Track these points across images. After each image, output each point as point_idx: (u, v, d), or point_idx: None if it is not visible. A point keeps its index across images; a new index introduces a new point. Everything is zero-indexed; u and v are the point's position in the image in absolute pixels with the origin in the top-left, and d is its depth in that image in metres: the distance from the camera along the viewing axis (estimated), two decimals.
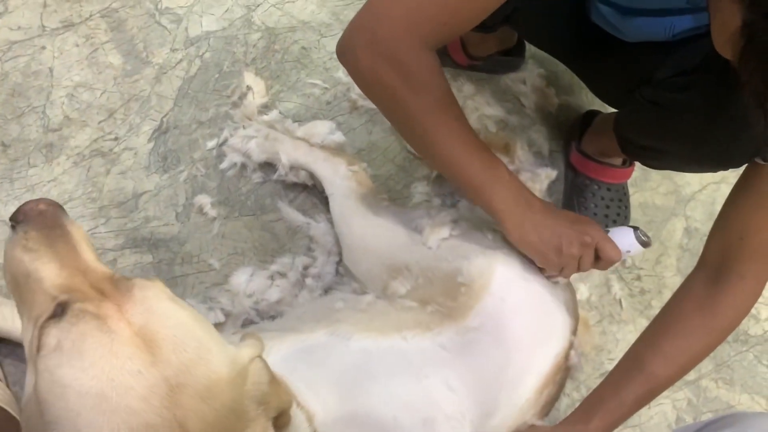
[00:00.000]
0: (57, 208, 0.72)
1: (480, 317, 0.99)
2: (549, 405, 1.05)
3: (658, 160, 1.18)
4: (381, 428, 0.91)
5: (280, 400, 0.72)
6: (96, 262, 0.69)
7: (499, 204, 0.99)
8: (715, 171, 1.09)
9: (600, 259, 1.03)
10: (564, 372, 1.07)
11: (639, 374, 1.01)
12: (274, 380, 0.72)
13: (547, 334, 1.04)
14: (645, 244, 1.07)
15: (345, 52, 0.95)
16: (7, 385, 1.05)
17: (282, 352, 0.97)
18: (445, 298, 1.02)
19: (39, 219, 0.70)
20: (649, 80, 1.04)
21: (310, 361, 0.96)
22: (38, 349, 0.62)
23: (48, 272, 0.66)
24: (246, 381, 0.66)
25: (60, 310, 0.63)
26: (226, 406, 0.63)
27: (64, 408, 0.58)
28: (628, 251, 1.07)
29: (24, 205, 0.71)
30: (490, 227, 1.15)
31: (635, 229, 1.07)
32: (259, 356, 0.69)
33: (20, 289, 0.68)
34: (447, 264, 1.04)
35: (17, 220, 0.70)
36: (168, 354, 0.61)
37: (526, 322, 1.02)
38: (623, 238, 1.07)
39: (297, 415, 0.82)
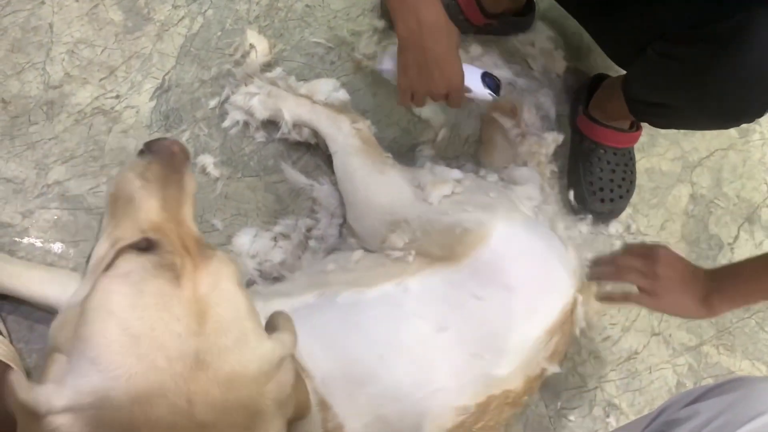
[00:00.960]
0: (186, 157, 0.74)
1: (476, 263, 0.99)
2: (559, 354, 1.05)
3: (667, 118, 1.17)
4: (368, 370, 0.91)
5: (300, 405, 0.72)
6: (192, 220, 0.71)
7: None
8: (726, 127, 1.08)
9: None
10: (571, 325, 1.06)
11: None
12: (298, 380, 0.71)
13: (549, 285, 1.03)
14: (493, 91, 1.11)
15: None
16: (11, 342, 1.05)
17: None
18: (442, 248, 1.02)
19: (167, 158, 0.72)
20: (662, 35, 1.02)
21: (300, 324, 0.96)
22: (107, 267, 0.63)
23: (149, 206, 0.68)
24: (269, 380, 0.65)
25: (145, 244, 0.64)
26: (239, 401, 0.62)
27: (100, 332, 0.59)
28: (470, 91, 1.10)
29: (163, 139, 0.74)
30: (493, 187, 1.14)
31: (485, 74, 1.11)
32: (291, 355, 0.69)
33: (117, 206, 0.70)
34: (447, 218, 1.04)
35: (150, 149, 0.73)
36: (211, 330, 0.61)
37: (526, 271, 1.02)
38: (470, 76, 1.10)
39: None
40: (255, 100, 1.23)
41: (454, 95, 1.09)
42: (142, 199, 0.68)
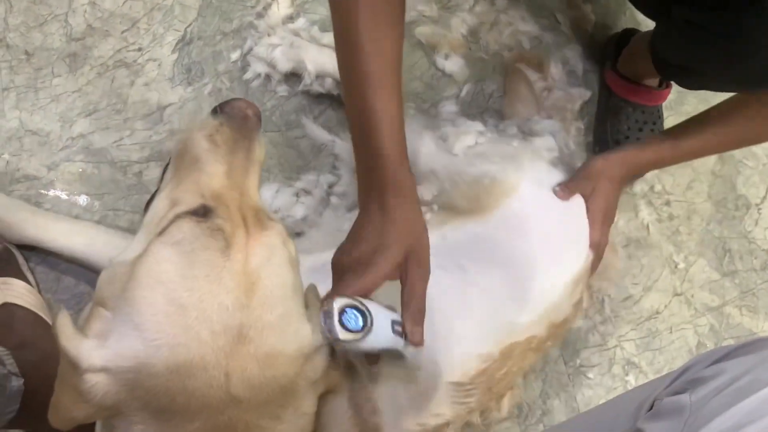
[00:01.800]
0: (259, 123, 0.72)
1: (505, 214, 0.98)
2: (581, 304, 1.05)
3: (694, 80, 1.14)
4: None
5: (331, 382, 0.72)
6: (256, 188, 0.70)
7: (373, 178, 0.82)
8: (754, 92, 1.05)
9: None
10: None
11: (699, 134, 1.13)
12: (331, 364, 0.71)
13: (575, 234, 1.04)
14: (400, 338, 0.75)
15: None
16: (39, 292, 1.07)
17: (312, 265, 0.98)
18: (468, 201, 1.01)
19: (240, 122, 0.70)
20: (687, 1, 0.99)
21: (323, 281, 0.97)
22: (162, 231, 0.62)
23: (213, 171, 0.66)
24: (306, 364, 0.66)
25: (202, 212, 0.63)
26: (276, 379, 0.62)
27: (147, 298, 0.59)
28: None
29: (238, 101, 0.71)
30: (515, 138, 1.13)
31: (395, 322, 0.75)
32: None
33: (181, 164, 0.69)
34: (474, 168, 1.04)
35: (223, 110, 0.70)
36: (257, 305, 0.61)
37: (552, 221, 1.02)
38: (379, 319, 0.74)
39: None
40: (277, 51, 1.22)
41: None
42: (207, 162, 0.67)
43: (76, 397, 0.59)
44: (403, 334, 0.75)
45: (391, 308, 0.77)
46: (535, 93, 1.32)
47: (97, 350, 0.58)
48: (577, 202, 1.08)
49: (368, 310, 0.71)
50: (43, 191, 1.13)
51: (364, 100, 0.80)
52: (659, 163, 1.22)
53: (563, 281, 1.00)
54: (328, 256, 1.01)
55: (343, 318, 0.69)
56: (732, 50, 0.96)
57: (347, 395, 0.83)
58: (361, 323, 0.70)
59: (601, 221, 1.09)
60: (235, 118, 0.70)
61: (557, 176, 1.09)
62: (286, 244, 0.66)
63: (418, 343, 0.75)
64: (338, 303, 0.70)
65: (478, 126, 1.13)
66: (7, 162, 1.13)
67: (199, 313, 0.58)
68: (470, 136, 1.08)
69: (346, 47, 0.82)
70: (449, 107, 1.32)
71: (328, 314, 0.69)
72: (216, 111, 0.71)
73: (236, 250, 0.61)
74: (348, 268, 0.77)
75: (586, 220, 1.06)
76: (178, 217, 0.63)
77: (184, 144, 0.70)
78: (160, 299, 0.59)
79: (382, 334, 0.72)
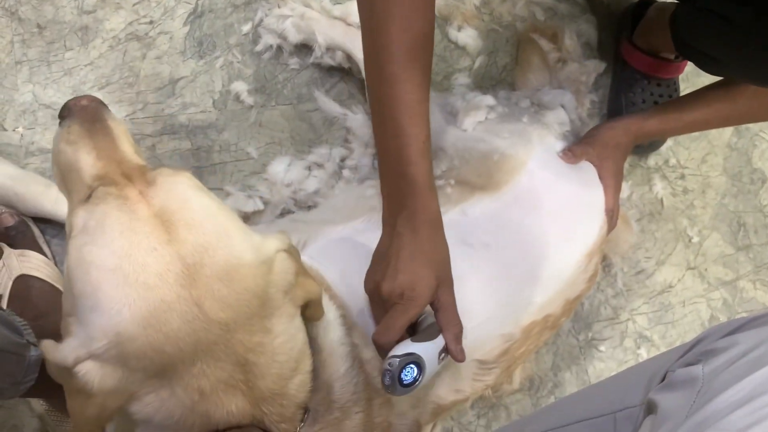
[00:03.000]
0: (98, 103, 0.75)
1: (515, 190, 0.99)
2: (595, 277, 1.06)
3: (712, 66, 1.11)
4: None
5: (308, 290, 0.73)
6: (132, 153, 0.71)
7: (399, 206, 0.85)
8: None
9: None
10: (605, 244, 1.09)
11: (704, 107, 1.13)
12: (302, 271, 0.73)
13: (587, 208, 1.04)
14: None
15: None
16: (56, 264, 1.08)
17: (319, 243, 0.98)
18: (480, 176, 1.01)
19: (81, 113, 0.73)
20: None
21: (345, 251, 0.97)
22: (69, 233, 0.65)
23: (86, 162, 0.69)
24: (271, 270, 0.67)
25: (90, 195, 0.65)
26: (248, 290, 0.64)
27: (88, 282, 0.61)
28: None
29: (69, 101, 0.74)
30: (525, 112, 1.12)
31: (440, 351, 0.82)
32: (285, 250, 0.70)
33: (65, 179, 0.71)
34: (483, 144, 1.03)
35: (62, 116, 0.73)
36: (184, 234, 0.62)
37: (563, 196, 1.02)
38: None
39: (329, 310, 0.84)
40: (288, 22, 1.21)
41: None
42: (78, 160, 0.69)
43: (81, 397, 0.62)
44: (446, 354, 0.82)
45: (431, 333, 0.82)
46: (549, 64, 1.30)
47: (74, 345, 0.61)
48: (588, 173, 1.07)
49: (422, 359, 0.78)
50: None
51: (397, 125, 0.83)
52: (664, 133, 1.24)
53: (576, 257, 1.00)
54: (342, 228, 1.01)
55: (401, 375, 0.77)
56: (755, 46, 0.94)
57: (359, 364, 0.84)
58: (416, 374, 0.78)
59: (614, 188, 1.09)
60: (76, 113, 0.73)
61: (566, 143, 1.10)
62: (181, 177, 0.67)
63: (463, 359, 0.83)
64: (400, 363, 0.77)
65: (489, 100, 1.12)
66: (22, 135, 1.14)
67: (134, 266, 0.60)
68: (481, 111, 1.07)
69: (379, 75, 0.84)
70: (462, 80, 1.31)
71: (390, 374, 0.77)
72: (60, 121, 0.74)
73: (134, 202, 0.63)
74: (389, 299, 0.81)
75: (597, 192, 1.05)
76: (73, 212, 0.66)
77: (55, 165, 0.73)
78: (96, 274, 0.60)
79: (430, 371, 0.80)
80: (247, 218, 1.15)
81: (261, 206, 1.16)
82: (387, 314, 0.81)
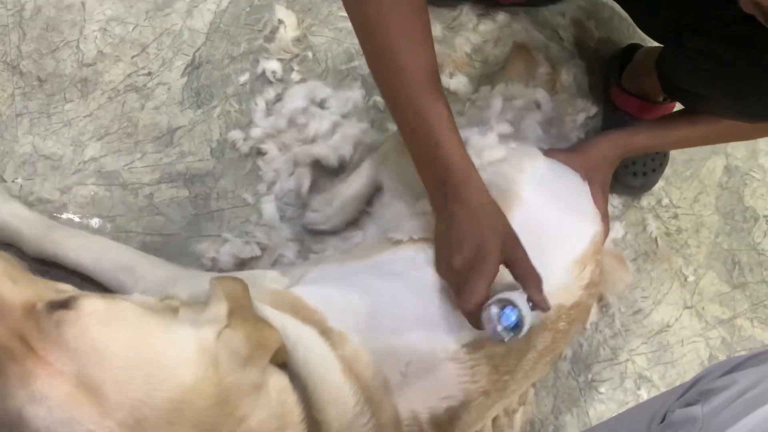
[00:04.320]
0: None
1: (518, 223, 0.99)
2: (595, 286, 1.06)
3: (700, 105, 1.14)
4: (388, 318, 0.90)
5: (266, 345, 0.68)
6: (13, 293, 0.58)
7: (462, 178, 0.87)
8: (760, 122, 1.05)
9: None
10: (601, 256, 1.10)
11: (690, 126, 1.17)
12: (253, 326, 0.67)
13: (576, 219, 1.06)
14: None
15: None
16: None
17: (317, 281, 0.98)
18: None
19: None
20: (697, 27, 0.99)
21: (345, 288, 0.96)
22: None
23: None
24: (218, 363, 0.62)
25: None
26: (204, 408, 0.59)
27: None
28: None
29: None
30: (508, 135, 1.15)
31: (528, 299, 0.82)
32: (225, 324, 0.64)
33: None
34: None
35: None
36: (115, 396, 0.55)
37: (556, 215, 1.04)
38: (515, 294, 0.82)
39: (317, 345, 0.80)
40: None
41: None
42: None
43: None
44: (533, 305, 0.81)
45: (513, 287, 0.83)
46: (532, 76, 1.33)
47: None
48: (576, 185, 1.11)
49: (516, 302, 0.78)
50: (56, 214, 1.14)
51: (418, 114, 0.85)
52: (649, 149, 1.29)
53: (566, 263, 1.01)
54: (338, 265, 1.01)
55: (502, 319, 0.77)
56: (739, 82, 0.97)
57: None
58: (517, 316, 0.78)
59: (602, 196, 1.14)
60: None
61: (553, 165, 1.12)
62: (86, 318, 0.57)
63: (548, 308, 0.83)
64: (494, 308, 0.78)
65: (475, 131, 1.14)
66: (21, 186, 1.15)
67: None
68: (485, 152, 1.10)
69: (385, 65, 0.86)
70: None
71: (491, 324, 0.78)
72: None
73: (45, 381, 0.54)
74: (464, 271, 0.83)
75: (586, 203, 1.09)
76: None
77: None
78: None
79: (527, 314, 0.79)
80: (245, 264, 1.16)
81: (258, 252, 1.17)
82: (465, 283, 0.82)
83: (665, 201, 1.45)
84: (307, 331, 0.81)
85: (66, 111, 1.21)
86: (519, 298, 0.80)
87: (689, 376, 1.07)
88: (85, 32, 1.25)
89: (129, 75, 1.25)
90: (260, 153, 1.24)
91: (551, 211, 1.04)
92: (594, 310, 1.06)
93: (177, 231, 1.18)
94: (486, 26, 1.40)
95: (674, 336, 1.38)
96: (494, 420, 1.16)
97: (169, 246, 1.16)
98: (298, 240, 1.21)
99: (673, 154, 1.45)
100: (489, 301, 0.80)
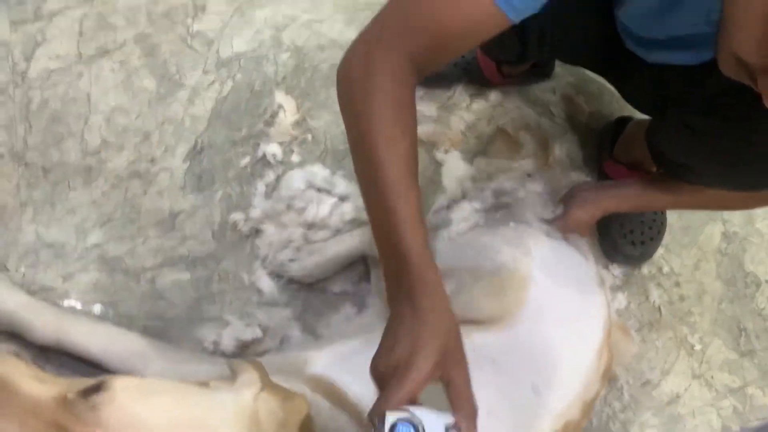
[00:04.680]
0: None
1: (527, 312, 0.98)
2: (608, 372, 1.05)
3: (691, 176, 1.16)
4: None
5: (297, 411, 0.69)
6: (42, 390, 0.58)
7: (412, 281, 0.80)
8: (750, 192, 1.07)
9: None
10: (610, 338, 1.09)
11: (675, 193, 1.22)
12: (285, 397, 0.69)
13: (588, 307, 1.05)
14: None
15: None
16: None
17: (330, 357, 0.97)
18: (493, 299, 1.01)
19: None
20: (680, 100, 1.03)
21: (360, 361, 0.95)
22: None
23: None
24: (259, 423, 0.63)
25: None
26: None
27: None
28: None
29: None
30: (508, 213, 1.16)
31: (448, 426, 0.71)
32: (261, 386, 0.66)
33: None
34: (489, 262, 1.04)
35: None
36: None
37: (567, 302, 1.03)
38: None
39: (338, 418, 0.81)
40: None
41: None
42: None
43: None
44: None
45: (443, 411, 0.73)
46: (514, 159, 1.36)
47: None
48: (580, 267, 1.10)
49: (421, 423, 0.68)
50: (58, 301, 1.15)
51: (386, 206, 0.81)
52: (634, 211, 1.38)
53: (590, 358, 0.99)
54: (351, 341, 1.00)
55: None
56: (727, 156, 0.99)
57: None
58: None
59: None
60: None
61: (558, 246, 1.13)
62: (122, 395, 0.57)
63: None
64: (389, 419, 0.67)
65: (469, 206, 1.16)
66: (23, 275, 1.16)
67: None
68: (466, 222, 1.10)
69: (364, 156, 0.84)
70: (443, 201, 1.35)
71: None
72: None
73: None
74: (388, 374, 0.75)
75: (594, 285, 1.08)
76: None
77: None
78: None
79: None
80: (247, 347, 1.15)
81: (260, 334, 1.16)
82: (385, 385, 0.74)
83: (666, 269, 1.46)
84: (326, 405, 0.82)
85: (70, 199, 1.23)
86: (436, 423, 0.70)
87: None
88: (89, 122, 1.28)
89: (132, 162, 1.27)
90: (258, 232, 1.25)
91: (561, 296, 1.03)
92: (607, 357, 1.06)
93: (178, 314, 1.18)
94: (479, 105, 1.45)
95: (684, 407, 1.36)
96: None
97: (171, 330, 1.16)
98: (300, 319, 1.21)
99: (671, 221, 1.47)
100: (398, 414, 0.69)
